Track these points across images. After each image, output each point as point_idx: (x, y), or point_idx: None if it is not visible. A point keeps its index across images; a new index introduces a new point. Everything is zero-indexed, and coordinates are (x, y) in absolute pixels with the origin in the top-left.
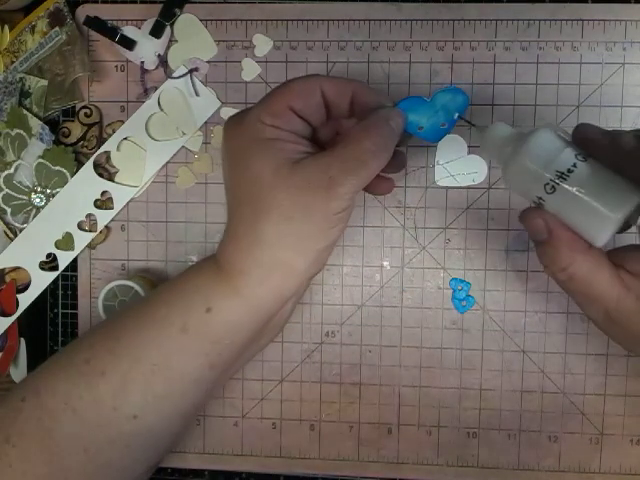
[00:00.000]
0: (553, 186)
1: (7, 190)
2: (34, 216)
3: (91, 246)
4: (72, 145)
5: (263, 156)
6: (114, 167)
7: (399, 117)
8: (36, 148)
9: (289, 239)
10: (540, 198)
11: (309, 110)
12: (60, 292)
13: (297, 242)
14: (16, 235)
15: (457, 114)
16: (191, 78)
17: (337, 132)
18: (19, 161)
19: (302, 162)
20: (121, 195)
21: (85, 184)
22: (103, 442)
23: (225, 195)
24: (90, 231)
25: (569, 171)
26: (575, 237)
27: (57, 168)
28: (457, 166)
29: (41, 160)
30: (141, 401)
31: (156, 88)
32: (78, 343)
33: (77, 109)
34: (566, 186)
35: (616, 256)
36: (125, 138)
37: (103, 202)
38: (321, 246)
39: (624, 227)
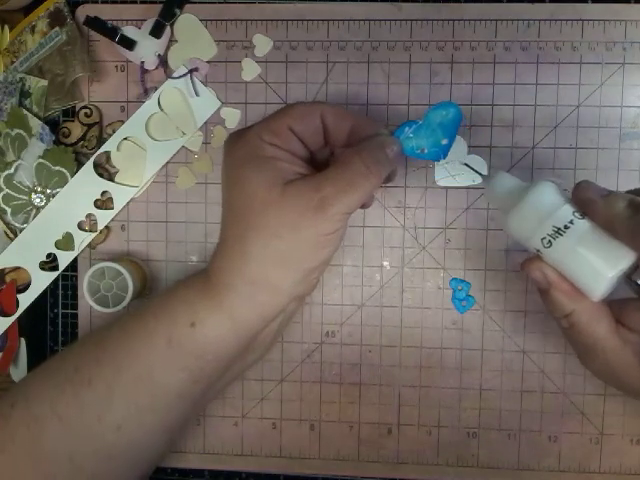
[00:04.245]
0: (550, 240)
1: (7, 190)
2: (34, 216)
3: (91, 246)
4: (72, 145)
5: (259, 173)
6: (114, 167)
7: (395, 145)
8: (36, 148)
9: (277, 257)
10: (538, 250)
11: (308, 133)
12: (60, 292)
13: (284, 261)
14: (16, 235)
15: (462, 162)
16: (191, 78)
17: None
18: (19, 161)
19: (294, 182)
20: (121, 195)
21: (85, 184)
22: (87, 452)
23: (222, 209)
24: (90, 231)
25: (566, 227)
26: (575, 288)
27: (57, 168)
28: (457, 166)
29: (41, 160)
30: (125, 412)
31: (156, 88)
32: (68, 351)
33: (77, 109)
34: (562, 242)
35: (615, 309)
36: (125, 138)
37: (103, 202)
38: (309, 266)
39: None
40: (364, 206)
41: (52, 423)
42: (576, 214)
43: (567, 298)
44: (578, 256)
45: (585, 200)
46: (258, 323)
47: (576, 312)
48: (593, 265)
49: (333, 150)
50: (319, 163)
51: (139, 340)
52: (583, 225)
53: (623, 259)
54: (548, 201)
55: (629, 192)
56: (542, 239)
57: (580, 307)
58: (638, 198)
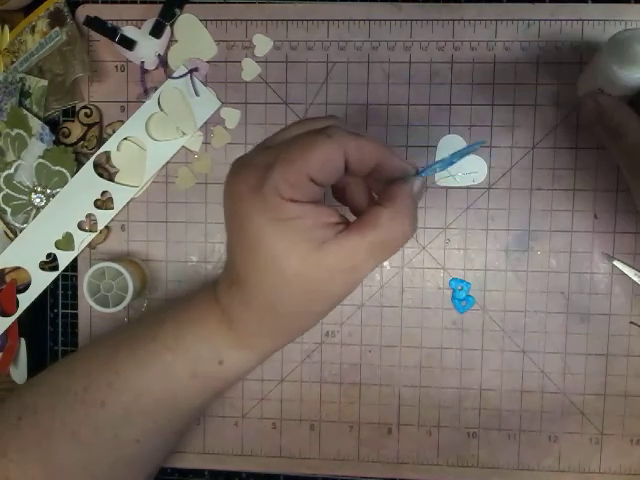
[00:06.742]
0: None
1: (7, 190)
2: (34, 216)
3: (91, 246)
4: (72, 145)
5: (285, 240)
6: (114, 167)
7: (423, 187)
8: (36, 148)
9: (308, 314)
10: None
11: (330, 178)
12: (60, 292)
13: (316, 315)
14: (16, 235)
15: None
16: (191, 78)
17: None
18: (19, 161)
19: (327, 248)
20: (121, 195)
21: (85, 184)
22: (104, 463)
23: (229, 249)
24: (90, 231)
25: None
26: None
27: (57, 168)
28: (457, 166)
29: (41, 160)
30: (143, 428)
31: (156, 88)
32: (72, 365)
33: (77, 109)
34: None
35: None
36: (125, 138)
37: (103, 202)
38: (334, 306)
39: None
40: None
41: (64, 439)
42: None
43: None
44: None
45: None
46: (279, 350)
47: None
48: None
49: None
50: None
51: (156, 369)
52: None
53: None
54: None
55: None
56: None
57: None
58: None
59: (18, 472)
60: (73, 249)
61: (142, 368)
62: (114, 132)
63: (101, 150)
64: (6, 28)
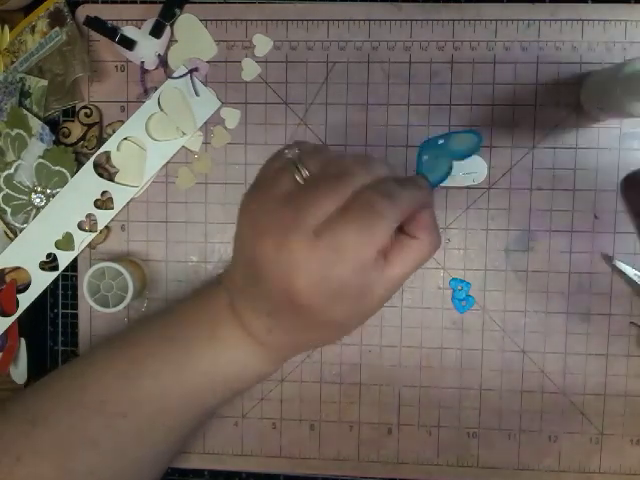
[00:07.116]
0: None
1: (7, 190)
2: (34, 216)
3: (91, 246)
4: (72, 145)
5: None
6: (114, 167)
7: (430, 192)
8: (36, 148)
9: (334, 330)
10: None
11: None
12: (60, 292)
13: (341, 329)
14: (16, 235)
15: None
16: (191, 78)
17: None
18: (19, 161)
19: (374, 287)
20: (121, 195)
21: (85, 184)
22: (124, 468)
23: (242, 262)
24: (90, 231)
25: None
26: None
27: (57, 168)
28: (457, 166)
29: (41, 160)
30: (165, 436)
31: (156, 88)
32: (88, 380)
33: (77, 109)
34: None
35: None
36: (125, 138)
37: (103, 202)
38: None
39: None
40: None
41: (84, 448)
42: None
43: None
44: None
45: None
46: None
47: None
48: None
49: None
50: None
51: (175, 376)
52: None
53: None
54: None
55: None
56: None
57: None
58: None
59: (31, 475)
60: (73, 249)
61: (161, 377)
62: (114, 132)
63: (101, 150)
64: (6, 28)
